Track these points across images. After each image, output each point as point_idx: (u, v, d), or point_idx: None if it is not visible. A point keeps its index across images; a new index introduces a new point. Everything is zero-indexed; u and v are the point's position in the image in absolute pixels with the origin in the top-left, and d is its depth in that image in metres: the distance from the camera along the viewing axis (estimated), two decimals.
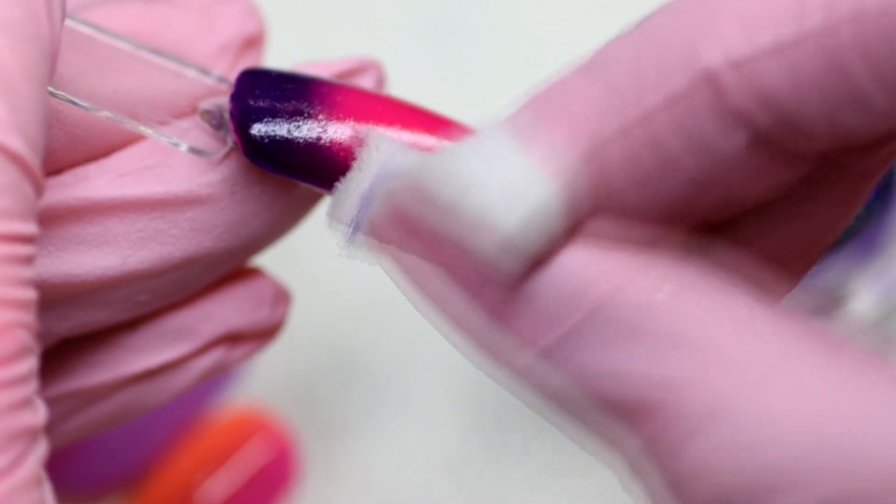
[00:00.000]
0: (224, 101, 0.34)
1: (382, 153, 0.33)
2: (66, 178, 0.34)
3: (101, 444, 0.58)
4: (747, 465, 0.26)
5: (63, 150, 0.34)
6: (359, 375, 0.61)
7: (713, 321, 0.27)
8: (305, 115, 0.34)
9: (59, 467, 0.30)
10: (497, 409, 0.60)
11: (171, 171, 0.34)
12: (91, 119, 0.34)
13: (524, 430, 0.60)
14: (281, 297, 0.37)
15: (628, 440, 0.27)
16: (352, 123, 0.34)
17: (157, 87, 0.35)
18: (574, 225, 0.28)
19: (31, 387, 0.29)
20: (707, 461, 0.26)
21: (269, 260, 0.38)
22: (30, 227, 0.29)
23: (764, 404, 0.26)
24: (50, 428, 0.30)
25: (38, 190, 0.29)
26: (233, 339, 0.37)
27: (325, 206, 0.36)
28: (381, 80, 0.36)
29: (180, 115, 0.35)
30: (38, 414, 0.29)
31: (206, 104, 0.35)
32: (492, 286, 0.28)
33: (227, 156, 0.34)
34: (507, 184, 0.28)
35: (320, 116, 0.34)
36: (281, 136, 0.33)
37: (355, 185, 0.33)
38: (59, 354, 0.35)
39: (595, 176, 0.27)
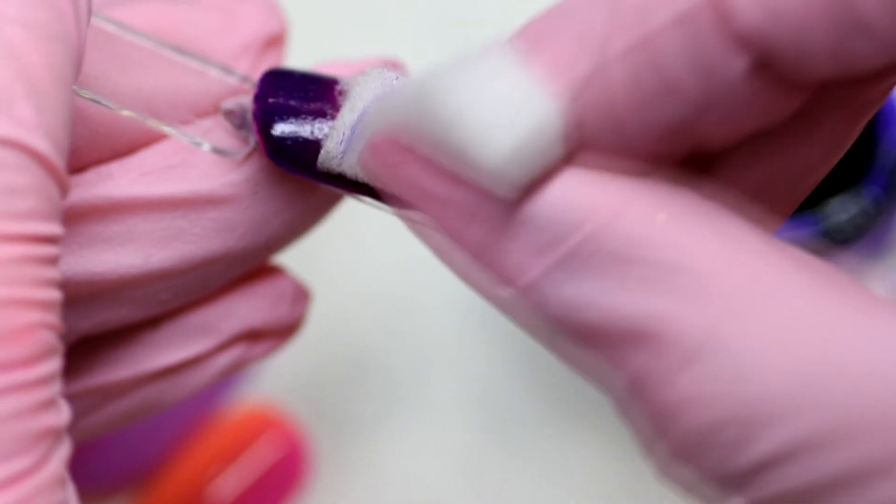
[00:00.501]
0: (247, 100, 0.34)
1: (374, 81, 0.32)
2: (90, 176, 0.34)
3: (113, 440, 0.58)
4: (739, 396, 0.25)
5: (86, 149, 0.34)
6: (371, 373, 0.61)
7: (707, 250, 0.26)
8: (328, 116, 0.33)
9: (69, 464, 0.30)
10: (509, 407, 0.60)
11: (194, 171, 0.34)
12: (114, 117, 0.34)
13: (536, 428, 0.60)
14: (301, 295, 0.37)
15: (617, 373, 0.27)
16: None
17: (179, 85, 0.34)
18: (570, 151, 0.27)
19: (55, 387, 0.28)
20: (698, 392, 0.26)
21: (283, 257, 0.38)
22: (55, 228, 0.29)
23: (757, 334, 0.25)
24: (70, 424, 0.30)
25: (64, 190, 0.29)
26: (252, 336, 0.37)
27: (343, 205, 0.36)
28: None
29: (203, 114, 0.35)
30: (62, 414, 0.29)
31: (228, 103, 0.35)
32: (482, 219, 0.28)
33: (249, 156, 0.34)
34: (507, 101, 0.27)
35: None
36: (303, 137, 0.33)
37: (347, 117, 0.32)
38: (79, 351, 0.35)
39: (595, 97, 0.27)
